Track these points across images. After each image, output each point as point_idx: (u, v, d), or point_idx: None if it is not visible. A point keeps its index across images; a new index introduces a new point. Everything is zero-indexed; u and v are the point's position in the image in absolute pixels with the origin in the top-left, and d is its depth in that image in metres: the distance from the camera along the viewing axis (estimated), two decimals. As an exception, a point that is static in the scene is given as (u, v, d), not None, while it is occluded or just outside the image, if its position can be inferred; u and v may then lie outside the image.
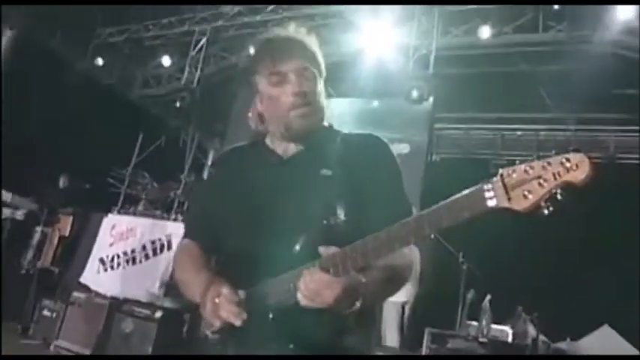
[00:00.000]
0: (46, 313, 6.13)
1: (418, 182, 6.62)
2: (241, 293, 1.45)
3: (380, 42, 7.54)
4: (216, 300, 1.45)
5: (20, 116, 7.65)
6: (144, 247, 6.47)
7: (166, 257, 6.27)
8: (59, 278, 6.93)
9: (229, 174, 1.79)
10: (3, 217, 7.13)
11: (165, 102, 9.75)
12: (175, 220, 6.78)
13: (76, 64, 9.28)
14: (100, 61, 9.37)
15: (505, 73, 8.05)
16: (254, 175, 1.69)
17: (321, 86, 1.68)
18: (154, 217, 6.97)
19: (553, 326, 5.87)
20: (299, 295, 1.34)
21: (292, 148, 1.69)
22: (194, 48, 8.92)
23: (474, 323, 5.59)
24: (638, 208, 7.00)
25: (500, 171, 1.12)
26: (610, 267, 7.25)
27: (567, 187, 1.06)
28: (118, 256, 6.59)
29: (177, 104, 8.68)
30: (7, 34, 8.40)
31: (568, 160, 1.06)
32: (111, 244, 6.73)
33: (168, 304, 5.54)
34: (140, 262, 6.45)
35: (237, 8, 8.56)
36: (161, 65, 9.63)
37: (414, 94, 7.02)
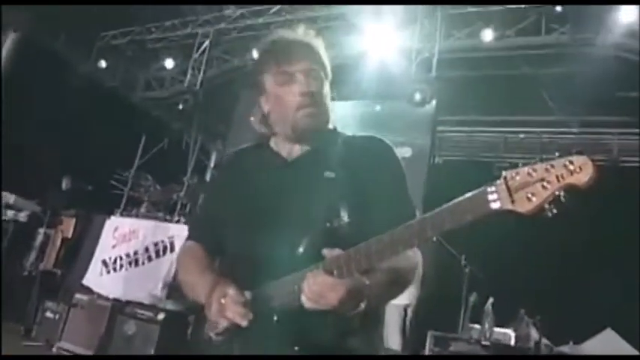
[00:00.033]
0: (48, 314, 6.14)
1: (421, 185, 6.61)
2: (247, 294, 1.45)
3: (382, 45, 7.55)
4: (222, 300, 1.45)
5: (23, 118, 7.67)
6: (146, 249, 6.48)
7: (169, 259, 6.27)
8: (62, 280, 6.95)
9: (233, 176, 1.80)
10: (6, 218, 7.15)
11: (167, 104, 9.75)
12: (178, 222, 6.80)
13: (79, 66, 9.31)
14: (103, 64, 9.40)
15: (508, 76, 8.04)
16: (258, 177, 1.69)
17: (327, 88, 1.69)
18: (156, 219, 6.99)
19: (556, 329, 5.86)
20: (303, 298, 1.34)
21: (296, 150, 1.69)
22: (197, 50, 8.93)
23: (477, 326, 5.58)
24: (640, 211, 6.99)
25: (504, 173, 1.12)
26: (613, 270, 7.23)
27: (571, 190, 1.06)
28: (121, 258, 6.60)
29: (180, 107, 8.68)
30: (11, 37, 8.43)
31: (571, 162, 1.06)
32: (113, 246, 6.74)
33: (170, 306, 5.55)
34: (143, 264, 6.45)
35: (239, 11, 8.58)
36: (164, 68, 9.65)
37: (417, 96, 7.01)
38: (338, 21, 7.62)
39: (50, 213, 7.38)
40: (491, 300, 5.57)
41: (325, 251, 1.34)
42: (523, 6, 6.96)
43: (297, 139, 1.68)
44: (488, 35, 7.12)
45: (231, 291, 1.45)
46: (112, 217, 7.08)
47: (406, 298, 5.84)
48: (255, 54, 8.32)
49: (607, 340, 6.25)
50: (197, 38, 8.96)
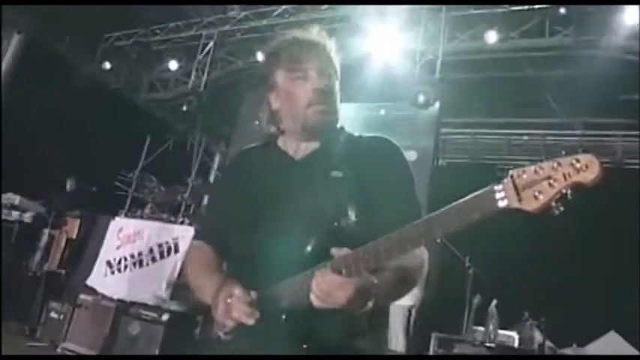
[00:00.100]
0: (53, 315, 6.15)
1: (424, 187, 6.62)
2: (253, 294, 1.45)
3: (386, 47, 7.55)
4: (229, 300, 1.46)
5: (28, 120, 7.70)
6: (151, 250, 6.48)
7: (173, 260, 6.28)
8: (66, 281, 6.96)
9: (240, 175, 1.80)
10: (11, 219, 7.18)
11: (172, 106, 9.78)
12: (182, 223, 6.80)
13: (84, 68, 9.33)
14: (107, 65, 9.41)
15: (512, 78, 8.04)
16: (265, 176, 1.70)
17: (337, 88, 1.71)
18: (161, 220, 6.98)
19: (559, 332, 5.86)
20: (311, 296, 1.34)
21: (304, 149, 1.70)
22: (201, 52, 8.95)
23: (480, 328, 5.59)
24: (645, 214, 6.98)
25: (511, 172, 1.12)
26: (617, 273, 7.22)
27: (577, 188, 1.06)
28: (125, 259, 6.61)
29: (184, 108, 8.70)
30: (16, 39, 8.46)
31: (578, 160, 1.06)
32: (118, 247, 6.74)
33: (174, 307, 5.56)
34: (147, 265, 6.46)
35: (244, 13, 8.60)
36: (168, 69, 9.67)
37: (421, 98, 7.02)
38: (342, 23, 7.63)
39: (55, 214, 7.39)
40: (494, 302, 5.58)
41: (333, 250, 1.35)
42: (526, 7, 6.96)
43: (306, 137, 1.69)
44: (492, 37, 7.12)
45: (237, 291, 1.45)
46: (117, 218, 7.08)
47: (410, 299, 5.84)
48: (259, 56, 8.35)
49: (610, 343, 6.25)
50: (201, 40, 8.97)
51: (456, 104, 8.28)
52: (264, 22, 8.38)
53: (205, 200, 8.08)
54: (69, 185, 7.75)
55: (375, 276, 1.37)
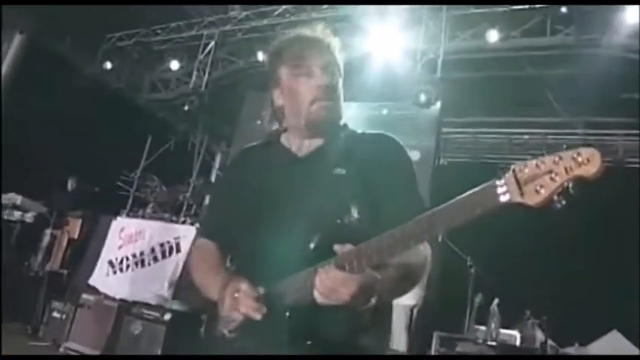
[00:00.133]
0: (55, 314, 6.17)
1: (426, 187, 6.61)
2: (260, 289, 1.46)
3: (387, 46, 7.54)
4: (236, 295, 1.46)
5: (30, 120, 7.71)
6: (152, 250, 6.50)
7: (175, 260, 6.29)
8: (68, 280, 6.97)
9: (243, 173, 1.81)
10: (13, 219, 7.19)
11: (173, 106, 9.77)
12: (184, 223, 6.80)
13: (85, 68, 9.32)
14: (108, 66, 9.41)
15: (513, 77, 8.03)
16: (268, 173, 1.71)
17: (341, 85, 1.72)
18: (162, 220, 6.99)
19: (561, 331, 5.86)
20: (315, 293, 1.35)
21: (308, 146, 1.71)
22: (202, 52, 8.95)
23: (482, 328, 5.58)
24: (646, 213, 6.97)
25: (512, 166, 1.12)
26: (618, 273, 7.22)
27: (579, 182, 1.06)
28: (127, 259, 6.62)
29: (186, 108, 8.70)
30: (18, 39, 8.47)
31: (579, 154, 1.06)
32: (120, 247, 6.76)
33: (176, 306, 5.57)
34: (149, 264, 6.47)
35: (245, 12, 8.60)
36: (169, 69, 9.66)
37: (422, 98, 7.01)
38: (343, 22, 7.61)
39: (56, 214, 7.41)
40: (496, 301, 5.57)
41: (337, 247, 1.35)
42: (527, 6, 6.95)
43: (310, 134, 1.70)
44: (493, 36, 7.11)
45: (244, 286, 1.46)
46: (118, 218, 7.10)
47: (412, 298, 5.84)
48: (261, 56, 8.36)
49: (613, 342, 6.24)
50: (202, 40, 8.97)
51: (458, 103, 8.27)
52: (265, 21, 8.38)
53: (207, 200, 8.08)
54: (70, 185, 7.75)
55: (378, 272, 1.37)
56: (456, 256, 6.22)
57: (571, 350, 6.04)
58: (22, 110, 7.64)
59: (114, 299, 6.05)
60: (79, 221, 7.57)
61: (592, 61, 6.92)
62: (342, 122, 1.74)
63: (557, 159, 1.07)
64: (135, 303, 5.89)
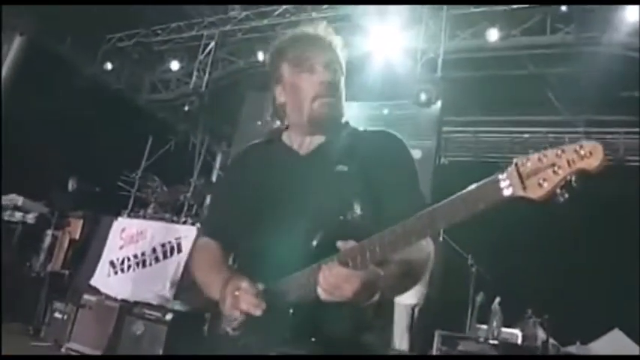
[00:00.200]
0: (57, 315, 6.16)
1: (427, 186, 6.62)
2: (260, 285, 1.46)
3: (388, 45, 7.54)
4: (236, 293, 1.46)
5: (30, 120, 7.71)
6: (154, 250, 6.49)
7: (176, 260, 6.29)
8: (70, 281, 6.97)
9: (245, 171, 1.81)
10: (14, 220, 7.20)
11: (173, 106, 9.78)
12: (185, 223, 6.80)
13: (85, 69, 9.34)
14: (108, 66, 9.42)
15: (513, 76, 8.03)
16: (270, 171, 1.71)
17: (343, 83, 1.72)
18: (163, 220, 6.99)
19: (563, 330, 5.85)
20: (319, 290, 1.35)
21: (310, 143, 1.71)
22: (202, 52, 8.96)
23: (484, 327, 5.58)
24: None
25: (515, 160, 1.11)
26: (619, 272, 7.22)
27: (582, 175, 1.06)
28: (128, 259, 6.62)
29: (186, 108, 8.71)
30: (18, 40, 8.48)
31: (582, 147, 1.05)
32: (121, 247, 6.76)
33: (178, 306, 5.57)
34: (150, 265, 6.47)
35: (245, 13, 8.61)
36: (169, 70, 9.67)
37: (422, 97, 7.01)
38: (343, 22, 7.62)
39: (58, 215, 7.42)
40: (498, 299, 5.57)
41: (339, 243, 1.35)
42: (527, 5, 6.95)
43: (312, 131, 1.70)
44: (493, 35, 7.11)
45: (244, 284, 1.46)
46: (120, 219, 7.10)
47: (414, 298, 5.84)
48: (261, 56, 8.37)
49: (615, 340, 6.24)
50: (202, 40, 8.98)
51: (458, 102, 8.28)
52: (265, 21, 8.39)
53: (208, 199, 8.09)
54: (70, 185, 7.74)
55: (381, 269, 1.37)
56: (458, 255, 6.22)
57: (572, 349, 6.03)
58: (22, 111, 7.65)
59: (115, 299, 6.05)
60: (81, 222, 7.57)
61: (592, 59, 6.92)
62: (343, 120, 1.74)
63: (559, 152, 1.07)
64: (136, 303, 5.88)
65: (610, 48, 6.66)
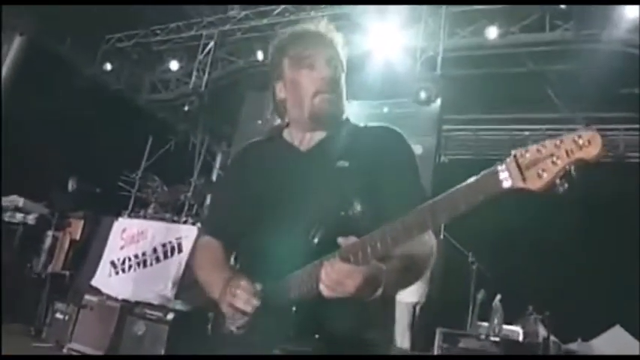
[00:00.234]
0: (58, 316, 6.16)
1: (427, 184, 6.59)
2: (258, 285, 1.47)
3: (387, 44, 7.54)
4: (234, 292, 1.48)
5: (29, 121, 7.72)
6: (154, 250, 6.50)
7: (177, 260, 6.30)
8: (71, 282, 6.98)
9: (246, 169, 1.81)
10: (15, 221, 7.20)
11: (173, 106, 9.78)
12: (186, 222, 6.81)
13: (85, 69, 9.34)
14: (108, 67, 9.42)
15: (513, 74, 8.02)
16: (271, 169, 1.71)
17: (344, 80, 1.72)
18: (164, 220, 7.00)
19: (564, 326, 5.85)
20: (321, 286, 1.34)
21: (310, 140, 1.71)
22: (202, 52, 8.95)
23: (485, 324, 5.58)
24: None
25: (513, 152, 1.11)
26: (620, 267, 7.22)
27: (581, 164, 1.05)
28: (129, 259, 6.63)
29: (186, 108, 8.71)
30: (18, 40, 8.49)
31: (580, 137, 1.05)
32: (122, 247, 6.76)
33: (179, 306, 5.57)
34: (151, 265, 6.48)
35: (244, 12, 8.61)
36: (169, 70, 9.67)
37: (422, 95, 7.01)
38: (342, 21, 7.60)
39: (58, 215, 7.42)
40: (499, 296, 5.57)
41: (340, 239, 1.35)
42: (527, 4, 6.95)
43: (312, 127, 1.70)
44: (492, 33, 7.10)
45: (243, 283, 1.47)
46: (120, 219, 7.11)
47: (415, 296, 5.85)
48: (260, 55, 8.37)
49: (616, 337, 6.25)
50: (202, 40, 8.98)
51: (458, 101, 8.26)
52: (265, 21, 8.39)
53: (209, 199, 8.09)
54: (70, 185, 7.74)
55: (383, 264, 1.37)
56: (458, 253, 6.22)
57: (574, 346, 6.04)
58: (22, 111, 7.65)
59: (116, 300, 6.05)
60: (81, 222, 7.57)
61: (592, 56, 6.91)
62: (344, 116, 1.74)
63: (558, 143, 1.07)
64: (137, 303, 5.89)
65: (609, 45, 6.66)
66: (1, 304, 5.95)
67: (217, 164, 11.47)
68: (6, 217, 7.26)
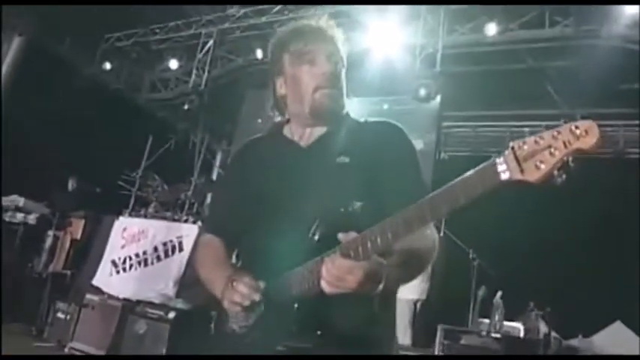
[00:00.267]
0: (60, 315, 6.16)
1: (427, 181, 6.60)
2: (261, 283, 1.48)
3: (386, 41, 7.55)
4: (234, 289, 1.48)
5: (29, 121, 7.72)
6: (155, 249, 6.50)
7: (178, 259, 6.30)
8: (72, 281, 6.97)
9: (247, 166, 1.81)
10: (16, 221, 7.20)
11: (173, 105, 9.79)
12: (186, 221, 6.82)
13: (84, 69, 9.35)
14: (107, 66, 9.42)
15: (512, 70, 8.02)
16: (272, 165, 1.70)
17: (344, 75, 1.72)
18: (165, 219, 7.01)
19: (565, 322, 5.86)
20: (322, 283, 1.34)
21: (311, 135, 1.70)
22: (201, 51, 8.96)
23: (486, 320, 5.58)
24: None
25: (511, 144, 1.11)
26: (620, 263, 7.22)
27: (579, 154, 1.05)
28: (130, 258, 6.63)
29: (186, 107, 8.71)
30: (17, 41, 8.49)
31: (577, 127, 1.04)
32: (123, 247, 6.77)
33: (180, 305, 5.57)
34: (152, 263, 6.48)
35: (243, 10, 8.61)
36: (168, 68, 9.69)
37: (422, 92, 7.02)
38: (342, 18, 7.60)
39: (59, 215, 7.42)
40: (500, 293, 5.57)
41: (341, 235, 1.34)
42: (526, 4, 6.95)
43: (313, 122, 1.70)
44: (491, 29, 7.10)
45: (246, 279, 1.48)
46: (121, 218, 7.11)
47: (416, 293, 5.85)
48: (259, 53, 8.37)
49: (617, 333, 6.24)
50: (201, 38, 8.98)
51: (457, 97, 8.26)
52: (264, 19, 8.39)
53: (209, 197, 8.09)
54: (70, 185, 7.73)
55: (384, 259, 1.37)
56: (459, 250, 6.22)
57: (575, 342, 6.04)
58: (22, 111, 7.66)
59: (118, 299, 6.05)
60: (82, 222, 7.56)
61: (591, 52, 6.91)
62: (344, 112, 1.74)
63: (555, 134, 1.06)
64: (139, 302, 5.89)
65: (609, 40, 6.66)
66: (3, 303, 5.96)
67: (217, 163, 11.47)
68: (7, 217, 7.26)
